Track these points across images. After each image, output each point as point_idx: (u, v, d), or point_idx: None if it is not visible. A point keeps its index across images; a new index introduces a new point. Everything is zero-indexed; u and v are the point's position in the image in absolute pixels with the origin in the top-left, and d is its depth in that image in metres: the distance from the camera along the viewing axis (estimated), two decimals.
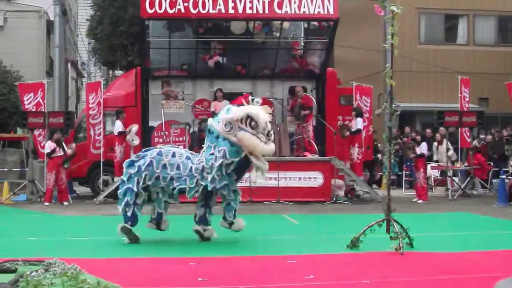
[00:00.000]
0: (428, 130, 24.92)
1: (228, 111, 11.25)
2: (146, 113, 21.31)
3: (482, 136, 25.37)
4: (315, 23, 21.64)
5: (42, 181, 20.46)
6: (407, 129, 26.30)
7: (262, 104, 20.49)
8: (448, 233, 13.25)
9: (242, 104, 11.67)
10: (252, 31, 21.20)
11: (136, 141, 20.22)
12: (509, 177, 20.18)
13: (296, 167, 19.74)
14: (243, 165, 11.33)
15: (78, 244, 11.57)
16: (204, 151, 11.49)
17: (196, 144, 20.68)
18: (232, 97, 21.08)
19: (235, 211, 11.60)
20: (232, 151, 11.08)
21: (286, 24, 21.36)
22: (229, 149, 11.08)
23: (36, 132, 21.14)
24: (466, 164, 22.87)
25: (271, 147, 11.14)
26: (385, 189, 12.63)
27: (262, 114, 11.07)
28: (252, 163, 11.09)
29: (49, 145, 19.73)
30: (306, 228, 12.28)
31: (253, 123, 10.95)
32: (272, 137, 11.13)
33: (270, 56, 21.86)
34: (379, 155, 24.21)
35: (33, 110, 20.97)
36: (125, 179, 11.66)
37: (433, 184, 23.06)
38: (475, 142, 24.09)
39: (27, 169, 21.85)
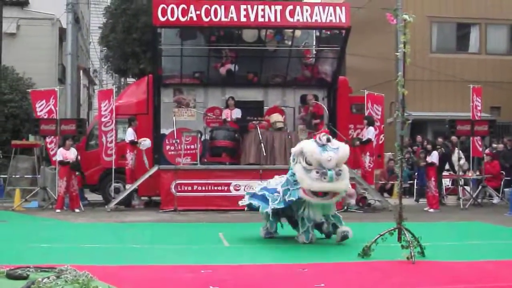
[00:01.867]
0: (440, 139, 24.85)
1: None
2: (157, 120, 21.30)
3: (494, 145, 25.31)
4: (327, 31, 21.66)
5: (54, 188, 20.51)
6: (419, 138, 26.25)
7: (273, 112, 20.83)
8: (459, 242, 13.22)
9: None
10: (264, 39, 21.21)
11: (147, 145, 20.30)
12: None
13: None
14: None
15: (89, 251, 11.57)
16: None
17: (207, 152, 20.76)
18: (244, 105, 21.22)
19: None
20: (294, 192, 11.82)
21: (298, 33, 21.36)
22: (290, 178, 11.95)
23: (48, 139, 21.21)
24: (477, 173, 22.81)
25: (321, 185, 11.43)
26: (396, 197, 12.62)
27: (315, 151, 11.47)
28: None
29: (60, 152, 19.78)
30: (317, 236, 12.27)
31: (307, 159, 11.49)
32: (328, 176, 11.35)
33: (281, 64, 21.86)
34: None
35: (45, 117, 21.03)
36: None
37: (444, 193, 22.99)
38: (487, 151, 24.01)
39: (39, 176, 21.89)
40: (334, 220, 12.21)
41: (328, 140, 11.62)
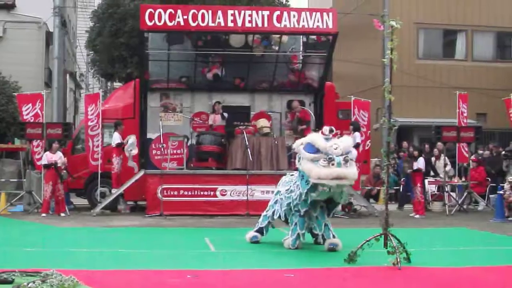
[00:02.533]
0: (426, 146, 24.91)
1: None
2: (144, 125, 21.29)
3: (480, 152, 25.38)
4: (314, 37, 21.69)
5: (40, 192, 20.42)
6: (405, 144, 26.31)
7: (260, 117, 20.83)
8: (445, 248, 13.24)
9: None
10: (251, 44, 21.21)
11: (134, 151, 20.25)
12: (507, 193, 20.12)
13: None
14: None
15: (75, 256, 11.53)
16: None
17: (193, 157, 20.74)
18: (231, 110, 21.22)
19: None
20: (303, 182, 11.75)
21: (285, 38, 21.37)
22: (300, 181, 11.86)
23: (34, 143, 21.14)
24: (463, 179, 22.88)
25: (331, 171, 11.20)
26: (382, 203, 12.64)
27: (321, 140, 11.48)
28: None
29: (46, 156, 19.72)
30: (304, 242, 12.27)
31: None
32: (335, 161, 11.23)
33: (268, 70, 21.87)
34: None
35: (32, 121, 20.98)
36: None
37: (430, 199, 23.04)
38: (473, 157, 24.07)
39: (24, 179, 21.81)
40: (324, 232, 12.18)
41: (331, 131, 11.62)
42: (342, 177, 11.23)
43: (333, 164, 11.14)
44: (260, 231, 13.06)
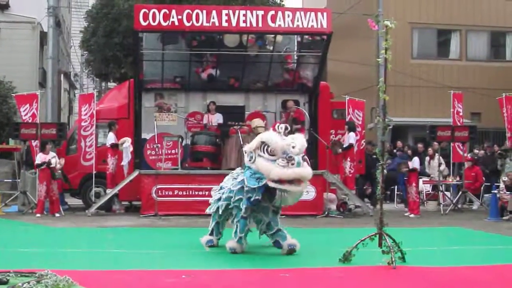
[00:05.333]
0: (420, 145, 24.95)
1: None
2: (138, 125, 21.29)
3: (476, 151, 25.40)
4: (309, 37, 21.71)
5: (34, 193, 20.39)
6: (399, 143, 26.34)
7: (255, 117, 20.81)
8: (440, 247, 13.25)
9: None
10: (245, 44, 21.21)
11: (126, 160, 20.27)
12: (501, 192, 20.16)
13: None
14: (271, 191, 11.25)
15: (70, 256, 11.53)
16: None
17: (188, 157, 20.73)
18: (225, 110, 21.23)
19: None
20: (251, 179, 11.18)
21: (279, 38, 21.39)
22: (248, 177, 11.23)
23: (33, 143, 21.08)
24: (458, 178, 22.92)
25: (291, 171, 10.83)
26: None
27: (277, 138, 11.04)
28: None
29: (40, 157, 19.68)
30: (298, 242, 12.25)
31: (270, 149, 11.00)
32: (295, 161, 10.85)
33: (263, 70, 21.88)
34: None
35: (30, 121, 20.97)
36: None
37: (425, 198, 23.06)
38: (468, 156, 24.12)
39: (19, 180, 21.77)
40: (278, 238, 11.74)
41: (286, 129, 11.42)
42: (302, 177, 10.99)
43: (292, 164, 10.82)
44: (212, 233, 12.61)
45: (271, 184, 10.91)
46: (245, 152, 11.55)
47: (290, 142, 10.99)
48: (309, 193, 19.28)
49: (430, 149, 22.91)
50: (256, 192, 11.19)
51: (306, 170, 11.06)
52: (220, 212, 12.11)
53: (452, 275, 9.82)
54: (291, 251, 11.54)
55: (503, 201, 19.50)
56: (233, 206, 11.69)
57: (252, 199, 11.28)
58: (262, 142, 11.11)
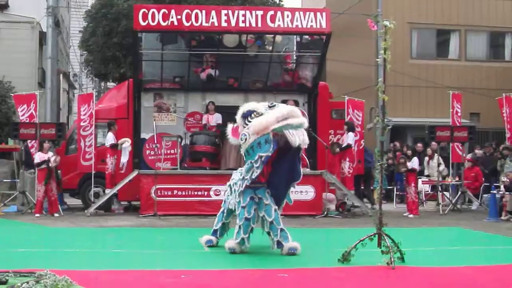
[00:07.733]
0: (419, 145, 24.94)
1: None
2: (138, 125, 21.28)
3: (476, 151, 25.35)
4: (308, 37, 21.71)
5: (33, 192, 20.38)
6: (397, 144, 26.35)
7: None
8: (439, 247, 13.26)
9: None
10: (244, 44, 21.21)
11: (125, 159, 20.27)
12: (500, 192, 20.15)
13: None
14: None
15: (69, 256, 11.52)
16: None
17: (187, 157, 20.73)
18: (224, 110, 21.21)
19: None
20: (255, 152, 11.27)
21: (278, 38, 21.39)
22: (256, 148, 11.28)
23: (29, 143, 21.08)
24: (457, 178, 22.92)
25: (282, 109, 11.20)
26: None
27: (255, 103, 11.65)
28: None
29: (38, 156, 19.67)
30: (297, 242, 12.24)
31: (254, 114, 11.32)
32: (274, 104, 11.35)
33: (262, 70, 21.88)
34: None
35: (27, 121, 20.95)
36: None
37: (424, 198, 23.06)
38: (468, 156, 24.12)
39: (17, 180, 21.77)
40: (280, 238, 11.65)
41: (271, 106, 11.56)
42: (293, 111, 11.20)
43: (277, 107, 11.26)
44: (214, 233, 12.62)
45: (274, 127, 10.98)
46: (240, 138, 11.62)
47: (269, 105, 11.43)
48: (308, 193, 19.32)
49: (429, 149, 22.91)
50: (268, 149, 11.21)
51: (293, 107, 11.54)
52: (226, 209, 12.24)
53: (451, 275, 9.83)
54: (291, 254, 11.49)
55: (503, 201, 19.47)
56: (237, 206, 11.76)
57: (264, 158, 11.25)
58: (244, 114, 11.55)
